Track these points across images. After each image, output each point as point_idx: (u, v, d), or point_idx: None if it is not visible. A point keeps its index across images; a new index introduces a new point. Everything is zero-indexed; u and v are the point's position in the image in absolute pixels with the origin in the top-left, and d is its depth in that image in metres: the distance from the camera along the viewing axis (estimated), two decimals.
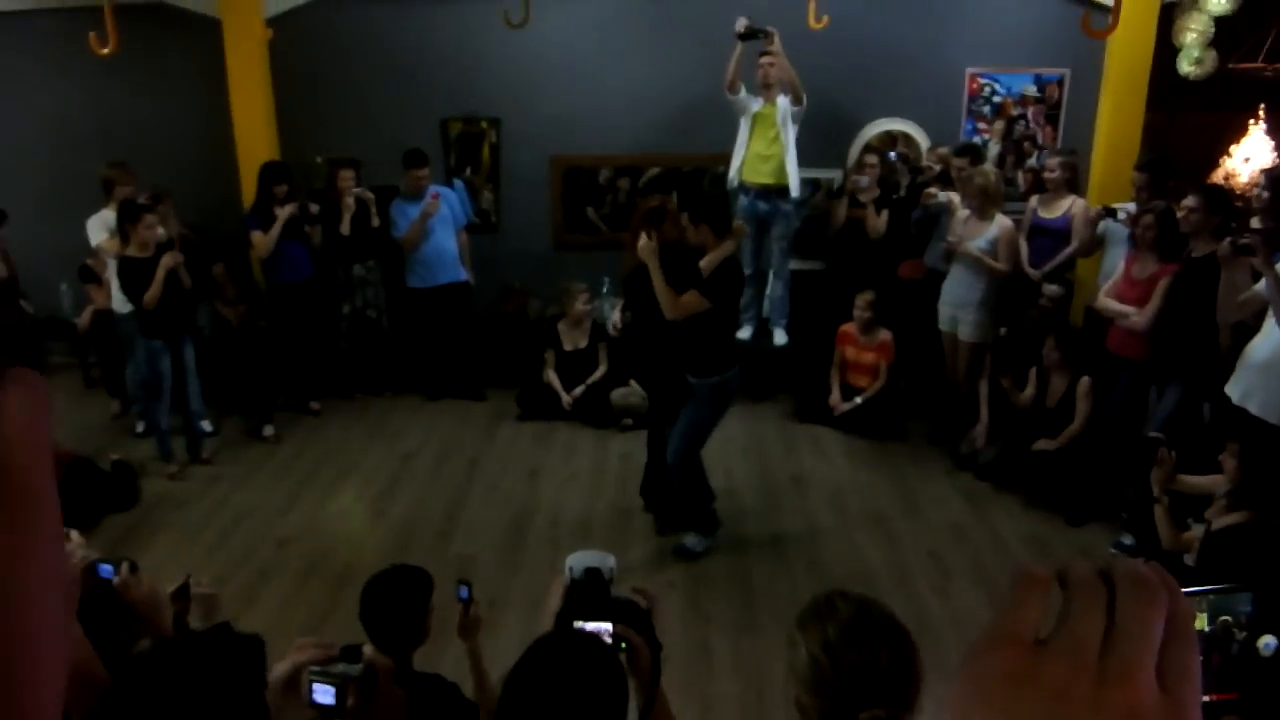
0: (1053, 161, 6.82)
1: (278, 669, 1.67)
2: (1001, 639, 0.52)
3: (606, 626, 2.05)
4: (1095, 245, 6.55)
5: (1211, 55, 7.57)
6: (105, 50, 4.85)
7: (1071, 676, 0.49)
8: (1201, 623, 0.88)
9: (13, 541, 0.47)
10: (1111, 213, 6.25)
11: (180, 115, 7.91)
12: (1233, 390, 5.02)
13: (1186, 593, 0.53)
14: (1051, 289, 6.60)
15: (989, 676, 0.51)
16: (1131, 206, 6.16)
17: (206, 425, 7.00)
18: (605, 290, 7.79)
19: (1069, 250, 6.67)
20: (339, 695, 1.68)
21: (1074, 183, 6.82)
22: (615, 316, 5.94)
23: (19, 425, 0.47)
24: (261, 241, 7.14)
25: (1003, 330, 6.67)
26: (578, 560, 2.25)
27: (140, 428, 7.23)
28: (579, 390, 7.40)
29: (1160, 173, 6.19)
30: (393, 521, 6.02)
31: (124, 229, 6.21)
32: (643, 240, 5.01)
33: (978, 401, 6.66)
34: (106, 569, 2.33)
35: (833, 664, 1.91)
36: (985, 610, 4.92)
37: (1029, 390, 6.21)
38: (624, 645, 2.05)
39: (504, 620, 4.64)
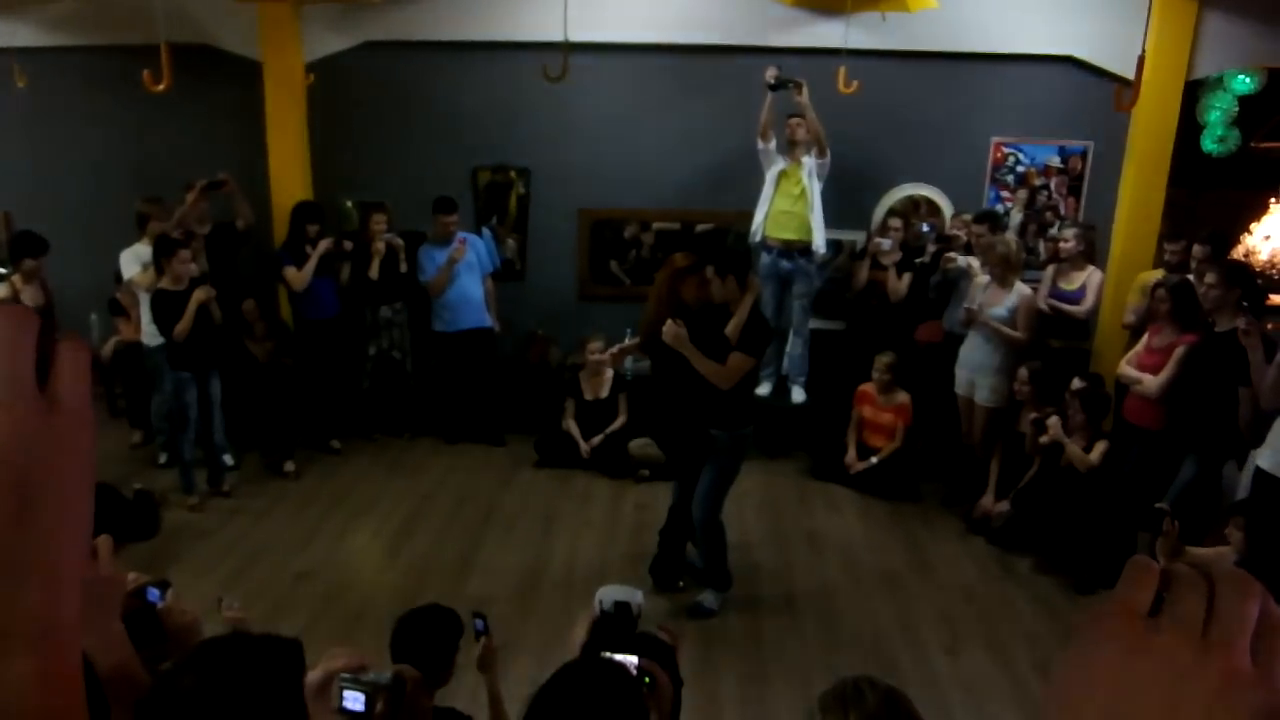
0: (1068, 233, 6.89)
1: (311, 675, 1.73)
2: (1116, 611, 0.60)
3: (632, 659, 2.09)
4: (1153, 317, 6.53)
5: (1234, 134, 7.69)
6: (160, 87, 4.99)
7: (1178, 645, 0.57)
8: None
9: (60, 443, 0.60)
10: None
11: (217, 153, 7.92)
12: (1264, 460, 5.02)
13: None
14: None
15: (1105, 641, 0.59)
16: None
17: (229, 459, 7.11)
18: (627, 341, 7.82)
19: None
20: (368, 702, 1.74)
21: (1090, 255, 6.88)
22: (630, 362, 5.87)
23: (68, 365, 0.62)
24: (296, 277, 7.28)
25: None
26: (608, 594, 2.30)
27: (163, 459, 7.32)
28: (597, 439, 7.46)
29: (1220, 245, 6.38)
30: (408, 561, 6.06)
31: (159, 263, 6.35)
32: (670, 329, 4.84)
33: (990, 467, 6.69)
34: (154, 593, 2.36)
35: None
36: (994, 672, 4.92)
37: (1050, 436, 6.08)
38: (648, 679, 2.10)
39: (516, 664, 4.63)
